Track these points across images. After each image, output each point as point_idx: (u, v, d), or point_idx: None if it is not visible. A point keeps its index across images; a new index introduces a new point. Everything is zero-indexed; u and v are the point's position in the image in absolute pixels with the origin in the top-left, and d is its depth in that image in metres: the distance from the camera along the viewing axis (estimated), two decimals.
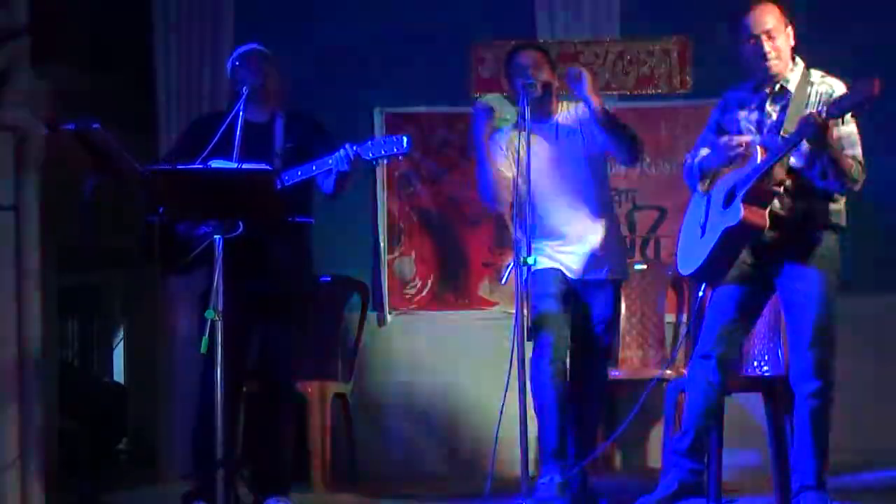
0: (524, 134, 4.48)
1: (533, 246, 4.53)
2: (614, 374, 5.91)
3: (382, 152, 4.51)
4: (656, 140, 6.52)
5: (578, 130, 4.89)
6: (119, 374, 10.77)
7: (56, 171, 5.26)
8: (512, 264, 4.61)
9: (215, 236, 4.24)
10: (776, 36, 4.24)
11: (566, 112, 4.95)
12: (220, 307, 4.16)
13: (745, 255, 4.26)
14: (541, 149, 4.64)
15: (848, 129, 4.21)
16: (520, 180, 4.54)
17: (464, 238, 6.50)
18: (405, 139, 4.50)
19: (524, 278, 4.37)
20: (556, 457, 4.73)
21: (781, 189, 4.14)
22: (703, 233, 4.33)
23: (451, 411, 6.35)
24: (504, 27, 6.51)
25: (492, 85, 6.28)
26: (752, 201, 4.12)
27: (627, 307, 6.14)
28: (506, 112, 5.00)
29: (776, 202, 4.16)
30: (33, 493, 5.21)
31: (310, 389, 5.65)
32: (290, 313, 4.79)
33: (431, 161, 6.58)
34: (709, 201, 4.37)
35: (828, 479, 4.23)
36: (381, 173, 6.40)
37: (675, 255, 4.55)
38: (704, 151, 4.45)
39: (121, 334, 10.83)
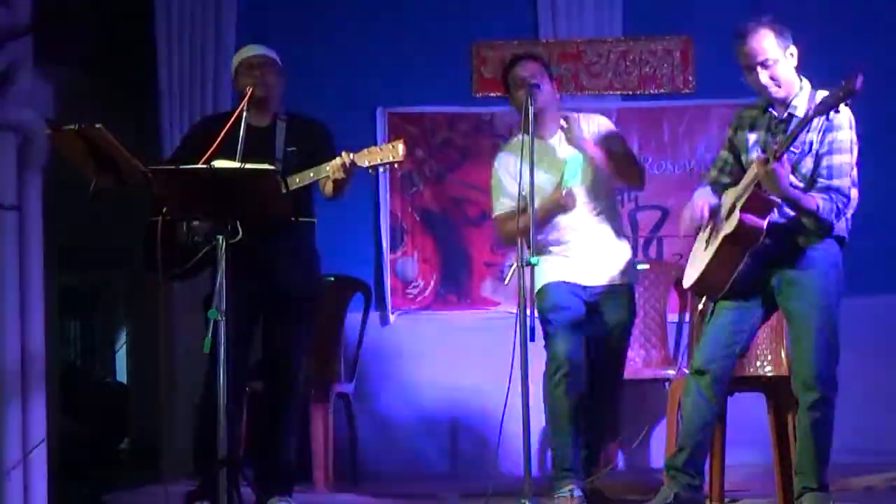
0: (528, 136, 4.47)
1: (542, 255, 4.57)
2: None
3: (379, 160, 4.50)
4: (659, 140, 6.53)
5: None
6: (122, 374, 10.78)
7: (59, 172, 5.27)
8: (514, 264, 4.61)
9: (218, 236, 4.24)
10: (772, 65, 4.20)
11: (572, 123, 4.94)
12: (222, 307, 4.16)
13: (744, 271, 4.25)
14: (543, 164, 4.62)
15: (840, 158, 4.19)
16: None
17: (466, 238, 6.50)
18: (401, 147, 4.49)
19: (527, 278, 4.38)
20: (575, 470, 4.73)
21: (779, 200, 4.14)
22: (707, 246, 4.34)
23: (454, 411, 6.35)
24: (506, 27, 6.51)
25: (494, 85, 6.28)
26: (750, 210, 4.13)
27: None
28: None
29: (775, 211, 4.16)
30: (36, 493, 5.21)
31: (312, 389, 5.65)
32: (293, 313, 4.79)
33: (434, 161, 6.58)
34: (718, 218, 4.37)
35: (831, 476, 4.24)
36: (383, 173, 6.40)
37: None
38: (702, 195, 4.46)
39: (123, 334, 10.84)
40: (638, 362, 6.09)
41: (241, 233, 4.43)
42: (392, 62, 6.52)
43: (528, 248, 4.36)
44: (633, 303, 4.92)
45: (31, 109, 5.27)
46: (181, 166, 4.38)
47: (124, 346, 10.68)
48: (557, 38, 6.50)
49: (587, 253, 4.82)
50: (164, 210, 4.46)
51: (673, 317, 6.23)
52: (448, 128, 6.59)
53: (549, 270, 4.72)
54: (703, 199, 4.38)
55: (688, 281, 4.41)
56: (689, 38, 6.48)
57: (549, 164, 4.75)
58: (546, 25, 6.51)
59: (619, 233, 4.93)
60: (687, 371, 4.46)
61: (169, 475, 6.15)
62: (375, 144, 4.63)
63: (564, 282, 4.77)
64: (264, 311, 4.78)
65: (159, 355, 6.53)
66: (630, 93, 6.56)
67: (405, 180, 6.57)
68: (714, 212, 4.37)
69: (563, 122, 4.82)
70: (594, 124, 4.91)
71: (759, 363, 4.74)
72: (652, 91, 6.54)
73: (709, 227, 4.39)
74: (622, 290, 4.86)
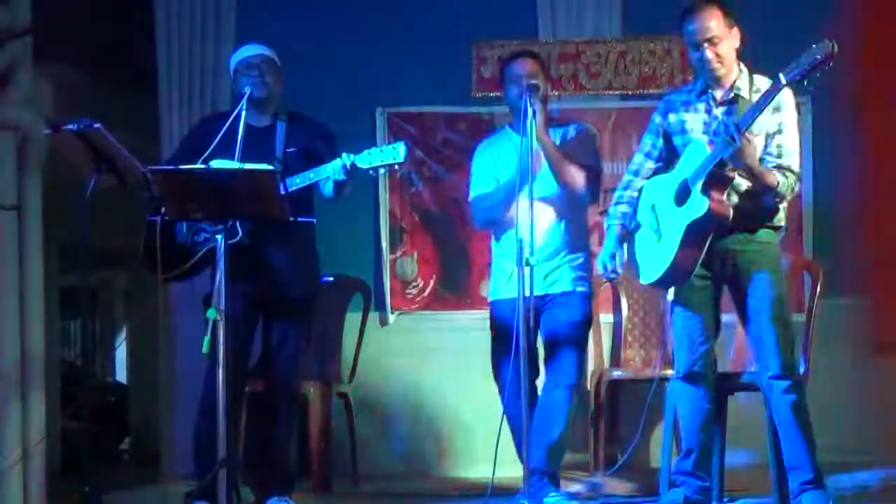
0: (526, 135, 4.47)
1: (495, 266, 4.61)
2: (615, 374, 5.92)
3: (379, 162, 4.51)
4: None
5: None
6: (121, 374, 10.79)
7: (58, 172, 5.27)
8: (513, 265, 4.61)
9: (217, 237, 4.24)
10: (718, 42, 4.25)
11: (558, 128, 4.93)
12: (221, 307, 4.16)
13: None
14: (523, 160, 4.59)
15: (790, 138, 4.26)
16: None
17: (465, 238, 6.50)
18: (402, 148, 4.50)
19: (526, 279, 4.37)
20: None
21: (736, 174, 4.17)
22: (660, 236, 4.35)
23: (454, 411, 6.35)
24: (506, 27, 6.51)
25: (493, 85, 6.28)
26: (712, 189, 4.16)
27: (629, 307, 6.15)
28: None
29: (724, 197, 4.19)
30: (35, 493, 5.21)
31: (311, 389, 5.66)
32: (292, 314, 4.79)
33: (433, 161, 6.58)
34: (653, 208, 4.40)
35: (826, 476, 4.25)
36: (383, 174, 6.39)
37: (633, 267, 4.59)
38: (623, 209, 4.53)
39: (123, 334, 10.85)
40: (637, 362, 6.10)
41: (240, 233, 4.45)
42: (392, 62, 6.51)
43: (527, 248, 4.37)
44: (585, 305, 4.85)
45: (30, 109, 5.28)
46: (180, 166, 4.38)
47: (124, 346, 10.70)
48: (557, 38, 6.50)
49: (543, 265, 4.77)
50: (163, 210, 4.46)
51: None
52: (447, 128, 6.59)
53: (503, 285, 4.75)
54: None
55: (650, 277, 4.42)
56: None
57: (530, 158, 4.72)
58: (546, 26, 6.51)
59: (578, 243, 4.88)
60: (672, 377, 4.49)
61: (169, 475, 6.17)
62: (375, 144, 4.64)
63: (511, 299, 4.67)
64: (263, 311, 4.79)
65: (159, 355, 6.55)
66: (629, 93, 6.56)
67: (404, 180, 6.57)
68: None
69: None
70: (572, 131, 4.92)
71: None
72: (651, 91, 6.53)
73: (647, 218, 4.43)
74: (574, 296, 4.81)
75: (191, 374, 5.67)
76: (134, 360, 9.98)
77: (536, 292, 4.69)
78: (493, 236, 5.03)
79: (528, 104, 4.52)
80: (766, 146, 4.23)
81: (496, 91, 6.02)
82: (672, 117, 4.46)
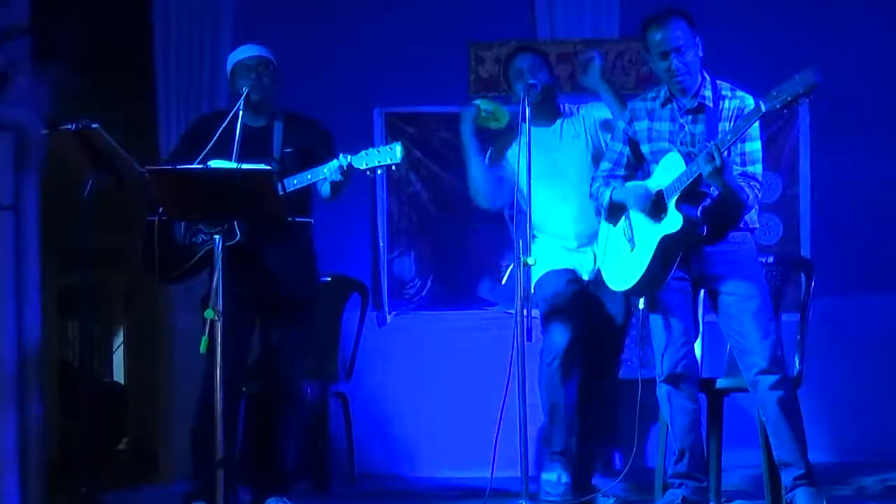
0: (524, 135, 4.48)
1: (539, 245, 4.60)
2: None
3: (376, 162, 4.52)
4: None
5: (583, 133, 4.92)
6: (119, 374, 10.77)
7: (56, 171, 5.27)
8: (511, 264, 4.62)
9: (215, 236, 4.24)
10: (685, 51, 4.25)
11: (570, 116, 4.97)
12: (219, 307, 4.16)
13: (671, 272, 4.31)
14: (544, 153, 4.62)
15: (752, 145, 4.28)
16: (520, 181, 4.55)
17: (463, 238, 6.50)
18: (399, 149, 4.50)
19: (524, 278, 4.38)
20: (565, 455, 4.77)
21: (710, 188, 4.18)
22: (633, 246, 4.35)
23: (451, 411, 6.35)
24: (504, 27, 6.51)
25: (491, 85, 6.28)
26: (686, 205, 4.16)
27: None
28: (498, 114, 4.97)
29: (698, 212, 4.20)
30: (33, 493, 5.21)
31: (309, 389, 5.65)
32: (291, 314, 4.79)
33: (431, 161, 6.57)
34: (627, 215, 4.40)
35: (824, 477, 4.25)
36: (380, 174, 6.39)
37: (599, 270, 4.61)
38: (617, 183, 4.47)
39: (121, 334, 10.83)
40: (635, 362, 6.09)
41: (238, 234, 4.45)
42: (389, 62, 6.51)
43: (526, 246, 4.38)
44: (628, 304, 4.93)
45: (28, 109, 5.28)
46: (178, 166, 4.38)
47: (122, 347, 10.68)
48: (555, 38, 6.50)
49: (590, 247, 4.85)
50: (161, 210, 4.46)
51: None
52: (445, 128, 6.58)
53: (549, 260, 4.76)
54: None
55: (623, 283, 4.43)
56: None
57: (550, 150, 4.75)
58: (543, 26, 6.51)
59: None
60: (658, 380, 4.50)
61: (167, 475, 6.17)
62: (373, 145, 4.65)
63: (564, 269, 4.80)
64: (262, 312, 4.78)
65: (157, 355, 6.55)
66: (627, 93, 6.54)
67: (402, 180, 6.57)
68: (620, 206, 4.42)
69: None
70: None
71: None
72: None
73: (619, 223, 4.43)
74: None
75: (189, 374, 5.67)
76: (132, 361, 9.96)
77: (586, 276, 4.80)
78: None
79: (527, 104, 4.54)
80: (730, 154, 4.24)
81: (494, 91, 6.02)
82: (638, 125, 4.46)
